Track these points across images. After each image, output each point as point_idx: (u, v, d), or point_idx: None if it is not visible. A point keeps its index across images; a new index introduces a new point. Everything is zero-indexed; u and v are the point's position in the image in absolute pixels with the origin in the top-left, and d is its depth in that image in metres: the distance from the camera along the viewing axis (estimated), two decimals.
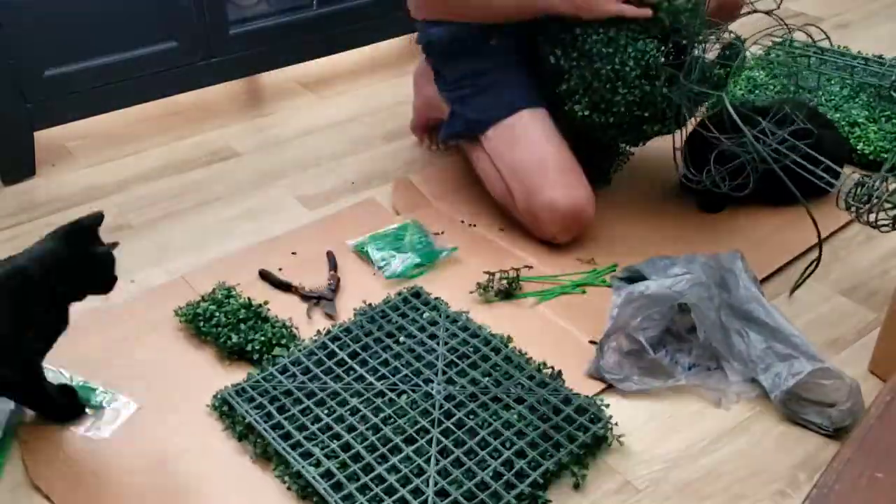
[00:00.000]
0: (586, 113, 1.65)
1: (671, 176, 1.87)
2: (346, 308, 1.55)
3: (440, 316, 1.51)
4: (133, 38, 2.01)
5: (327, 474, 1.21)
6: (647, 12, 1.59)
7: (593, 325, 1.49)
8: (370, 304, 1.54)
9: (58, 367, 1.42)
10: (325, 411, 1.31)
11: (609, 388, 1.39)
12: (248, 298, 1.54)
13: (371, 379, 1.37)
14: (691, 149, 1.74)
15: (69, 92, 1.96)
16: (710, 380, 1.40)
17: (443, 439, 1.27)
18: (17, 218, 1.87)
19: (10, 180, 1.99)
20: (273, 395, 1.34)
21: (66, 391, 1.35)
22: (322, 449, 1.25)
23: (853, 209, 1.45)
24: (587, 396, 1.35)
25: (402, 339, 1.45)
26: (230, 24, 2.12)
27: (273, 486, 1.24)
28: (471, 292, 1.59)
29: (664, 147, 1.79)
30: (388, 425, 1.29)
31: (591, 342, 1.47)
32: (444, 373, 1.39)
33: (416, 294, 1.56)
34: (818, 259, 1.59)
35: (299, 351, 1.43)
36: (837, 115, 2.10)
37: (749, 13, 1.75)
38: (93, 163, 2.07)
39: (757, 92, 2.25)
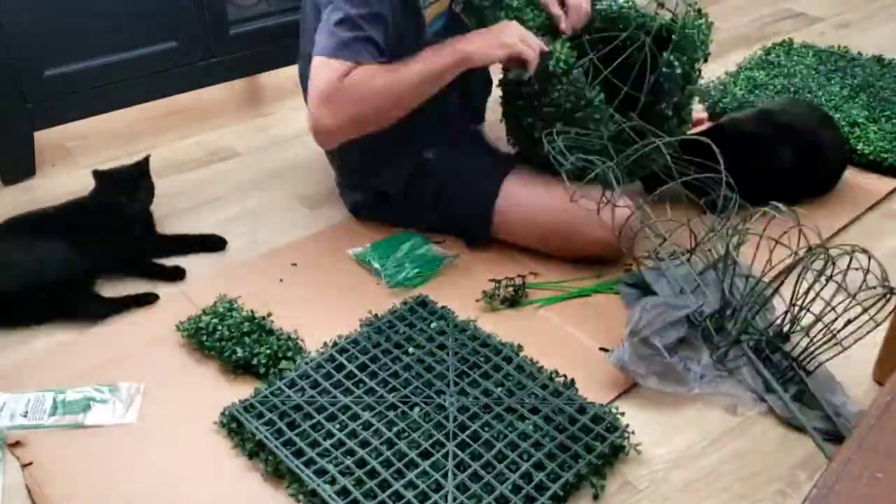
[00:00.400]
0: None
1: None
2: (351, 318, 1.53)
3: (448, 325, 1.50)
4: (133, 38, 2.00)
5: (343, 492, 1.20)
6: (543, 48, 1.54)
7: (603, 332, 1.49)
8: (376, 315, 1.53)
9: (55, 384, 1.42)
10: (338, 426, 1.30)
11: (619, 396, 1.39)
12: (251, 311, 1.52)
13: (382, 391, 1.36)
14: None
15: (69, 92, 1.96)
16: (723, 386, 1.40)
17: (459, 452, 1.26)
18: None
19: (10, 180, 1.99)
20: (283, 411, 1.32)
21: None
22: (336, 465, 1.23)
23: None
24: (602, 405, 1.34)
25: (410, 349, 1.44)
26: (230, 24, 2.12)
27: None
28: (477, 300, 1.59)
29: None
30: (403, 439, 1.28)
31: (602, 349, 1.47)
32: (456, 383, 1.38)
33: (423, 303, 1.56)
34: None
35: (307, 364, 1.41)
36: (837, 115, 2.10)
37: None
38: (93, 163, 2.05)
39: (757, 92, 2.25)
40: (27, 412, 1.37)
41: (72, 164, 2.06)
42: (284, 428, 1.29)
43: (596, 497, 1.24)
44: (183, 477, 1.27)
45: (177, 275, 1.66)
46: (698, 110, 2.00)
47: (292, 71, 2.48)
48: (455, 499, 1.19)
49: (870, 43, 2.56)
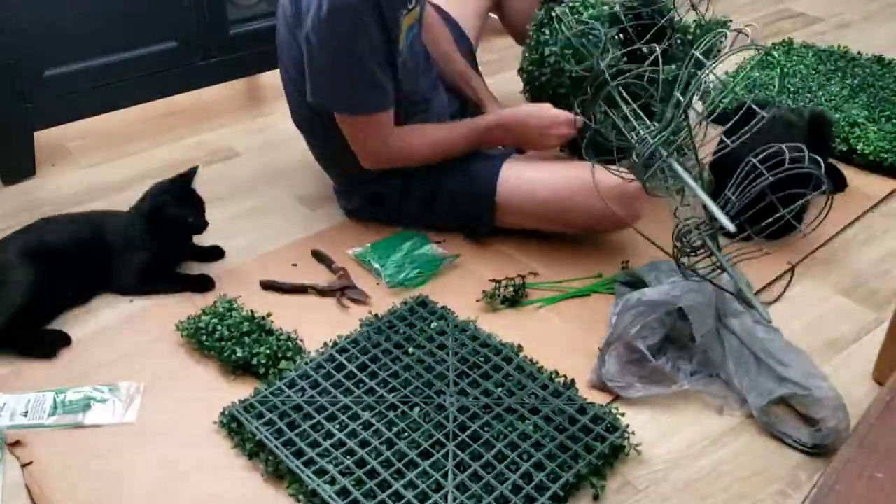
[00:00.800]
0: None
1: None
2: (351, 318, 1.54)
3: (448, 325, 1.50)
4: (133, 38, 2.00)
5: (343, 492, 1.20)
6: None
7: (603, 332, 1.49)
8: (376, 315, 1.53)
9: (55, 384, 1.42)
10: (337, 426, 1.30)
11: (619, 396, 1.39)
12: (251, 311, 1.52)
13: (382, 391, 1.36)
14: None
15: (69, 92, 1.96)
16: (712, 386, 1.39)
17: (459, 453, 1.26)
18: (17, 218, 1.86)
19: (10, 180, 1.99)
20: (283, 411, 1.32)
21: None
22: (336, 466, 1.23)
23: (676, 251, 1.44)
24: (602, 405, 1.34)
25: (410, 349, 1.44)
26: (230, 24, 2.12)
27: None
28: (477, 300, 1.59)
29: None
30: (403, 439, 1.28)
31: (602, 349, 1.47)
32: (456, 384, 1.38)
33: (423, 303, 1.56)
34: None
35: (306, 364, 1.41)
36: (838, 115, 2.10)
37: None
38: (93, 163, 2.07)
39: (756, 91, 2.25)
40: (27, 412, 1.37)
41: (72, 164, 2.06)
42: (284, 428, 1.29)
43: (596, 497, 1.24)
44: (183, 477, 1.27)
45: (206, 285, 1.64)
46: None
47: None
48: (455, 499, 1.19)
49: (870, 43, 2.56)
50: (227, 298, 1.56)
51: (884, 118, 2.10)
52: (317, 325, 1.52)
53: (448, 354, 1.44)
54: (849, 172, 1.94)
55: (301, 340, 1.48)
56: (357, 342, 1.46)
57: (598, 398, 1.37)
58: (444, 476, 1.22)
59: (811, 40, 2.60)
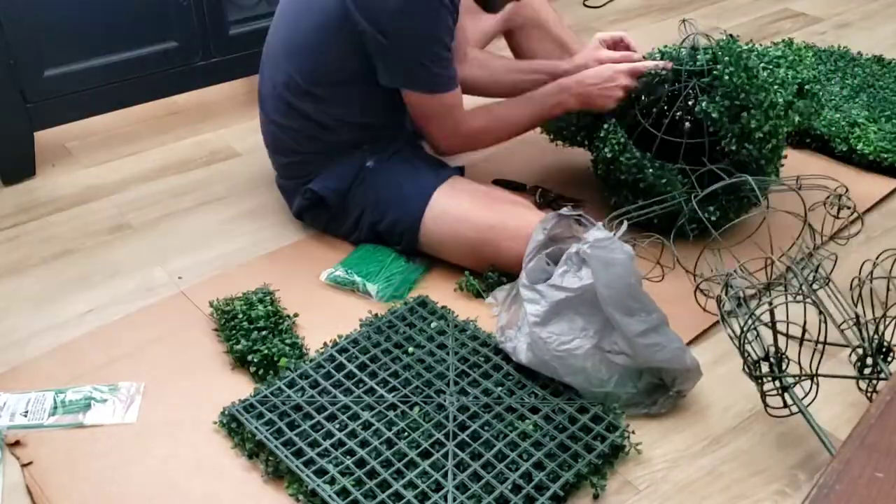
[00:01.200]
0: None
1: None
2: (351, 317, 1.53)
3: (448, 325, 1.50)
4: (133, 38, 2.00)
5: (343, 492, 1.20)
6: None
7: None
8: (376, 315, 1.53)
9: (55, 384, 1.42)
10: (337, 426, 1.30)
11: None
12: (282, 308, 1.53)
13: (382, 391, 1.36)
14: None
15: (69, 92, 1.96)
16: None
17: (459, 452, 1.26)
18: (17, 218, 1.87)
19: (10, 180, 1.99)
20: (282, 411, 1.32)
21: None
22: (336, 466, 1.23)
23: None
24: (601, 403, 1.34)
25: (410, 349, 1.44)
26: (230, 24, 2.12)
27: None
28: (454, 290, 1.59)
29: None
30: (403, 439, 1.28)
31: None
32: (456, 383, 1.38)
33: (423, 303, 1.56)
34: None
35: (306, 363, 1.41)
36: (837, 115, 2.10)
37: None
38: (93, 163, 2.07)
39: None
40: (27, 412, 1.37)
41: (72, 164, 2.06)
42: (284, 428, 1.29)
43: (596, 497, 1.24)
44: (183, 477, 1.27)
45: None
46: None
47: None
48: (455, 499, 1.19)
49: (870, 43, 2.56)
50: (269, 288, 1.57)
51: (884, 118, 2.10)
52: (317, 325, 1.52)
53: (448, 354, 1.44)
54: (849, 172, 1.94)
55: (307, 348, 1.47)
56: (357, 342, 1.46)
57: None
58: (444, 476, 1.22)
59: (811, 40, 2.59)
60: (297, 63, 1.63)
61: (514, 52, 2.05)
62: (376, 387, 1.37)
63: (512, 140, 1.83)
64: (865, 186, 1.92)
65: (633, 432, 1.31)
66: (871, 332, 1.30)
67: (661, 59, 1.73)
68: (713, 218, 1.62)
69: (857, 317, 1.31)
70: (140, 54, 2.01)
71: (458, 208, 1.62)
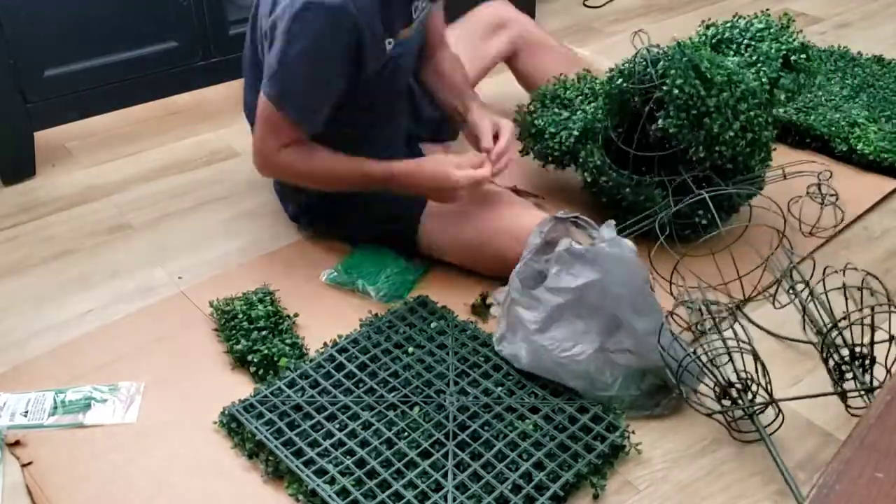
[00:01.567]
0: None
1: None
2: (351, 317, 1.53)
3: (448, 325, 1.50)
4: (133, 38, 2.00)
5: (343, 492, 1.20)
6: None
7: None
8: (376, 315, 1.53)
9: (55, 384, 1.42)
10: (337, 426, 1.30)
11: None
12: (281, 308, 1.53)
13: (382, 391, 1.36)
14: None
15: (69, 92, 1.96)
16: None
17: (459, 452, 1.26)
18: (17, 218, 1.87)
19: (10, 180, 1.99)
20: (282, 411, 1.32)
21: None
22: (336, 466, 1.23)
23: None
24: (602, 404, 1.34)
25: (410, 349, 1.44)
26: (230, 24, 2.12)
27: None
28: (465, 304, 1.58)
29: None
30: (402, 439, 1.28)
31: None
32: (456, 383, 1.38)
33: (423, 303, 1.55)
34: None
35: (306, 363, 1.41)
36: (837, 115, 2.10)
37: None
38: (93, 163, 2.07)
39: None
40: (27, 412, 1.37)
41: (72, 164, 2.06)
42: (284, 428, 1.29)
43: (596, 497, 1.24)
44: (183, 477, 1.27)
45: None
46: None
47: None
48: (455, 499, 1.19)
49: (870, 43, 2.56)
50: (269, 288, 1.57)
51: (884, 118, 2.10)
52: (317, 325, 1.52)
53: (448, 354, 1.44)
54: (849, 172, 1.94)
55: (307, 348, 1.47)
56: (357, 342, 1.46)
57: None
58: (444, 476, 1.22)
59: (811, 40, 2.59)
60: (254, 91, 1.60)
61: (520, 74, 2.07)
62: (376, 387, 1.37)
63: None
64: (865, 186, 1.92)
65: (633, 432, 1.31)
66: (833, 341, 1.30)
67: (620, 75, 1.67)
68: (703, 222, 1.61)
69: (824, 328, 1.30)
70: (140, 54, 2.01)
71: (458, 209, 1.61)
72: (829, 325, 1.32)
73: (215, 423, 1.34)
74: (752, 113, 1.61)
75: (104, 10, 1.93)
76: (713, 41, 1.82)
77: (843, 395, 1.29)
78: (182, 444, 1.32)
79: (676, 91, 1.56)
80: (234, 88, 2.39)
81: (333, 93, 1.54)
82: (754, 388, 1.29)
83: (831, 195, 1.67)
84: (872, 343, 1.28)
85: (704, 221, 1.60)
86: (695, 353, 1.26)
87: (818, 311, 1.44)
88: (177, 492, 1.25)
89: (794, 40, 1.77)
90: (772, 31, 1.78)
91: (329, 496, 1.19)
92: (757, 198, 1.66)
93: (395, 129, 1.76)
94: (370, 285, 1.60)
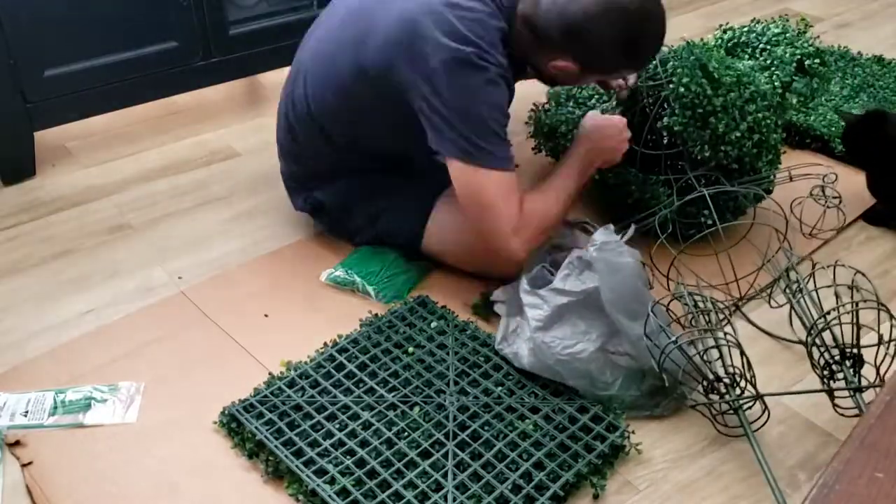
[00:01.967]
0: None
1: None
2: (351, 317, 1.53)
3: (448, 325, 1.50)
4: (133, 38, 2.00)
5: (343, 492, 1.20)
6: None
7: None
8: (376, 315, 1.53)
9: (55, 384, 1.42)
10: (337, 426, 1.30)
11: None
12: None
13: (382, 391, 1.36)
14: None
15: (69, 92, 1.96)
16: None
17: (459, 452, 1.26)
18: (17, 218, 1.87)
19: (10, 180, 1.98)
20: (282, 411, 1.32)
21: None
22: (336, 465, 1.23)
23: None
24: (602, 404, 1.34)
25: (410, 349, 1.44)
26: (230, 24, 2.12)
27: None
28: (465, 304, 1.58)
29: None
30: (403, 439, 1.28)
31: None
32: (456, 383, 1.38)
33: (423, 303, 1.56)
34: None
35: (307, 363, 1.42)
36: (837, 115, 2.10)
37: None
38: (93, 163, 2.07)
39: None
40: (27, 412, 1.37)
41: (72, 164, 2.06)
42: (284, 428, 1.29)
43: (596, 497, 1.24)
44: (183, 477, 1.27)
45: None
46: None
47: None
48: (455, 499, 1.19)
49: (870, 43, 2.56)
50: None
51: None
52: (317, 325, 1.52)
53: (448, 354, 1.44)
54: (849, 172, 1.94)
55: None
56: (357, 342, 1.46)
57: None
58: (444, 476, 1.22)
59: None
60: (321, 103, 1.59)
61: None
62: (376, 387, 1.37)
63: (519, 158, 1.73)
64: (867, 186, 1.92)
65: (634, 432, 1.31)
66: (814, 340, 1.30)
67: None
68: (709, 222, 1.61)
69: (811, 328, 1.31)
70: (140, 54, 2.01)
71: (461, 214, 1.59)
72: (813, 322, 1.32)
73: (215, 423, 1.34)
74: (760, 115, 1.61)
75: (104, 10, 1.93)
76: (729, 45, 1.84)
77: (830, 394, 1.29)
78: (182, 444, 1.32)
79: (682, 89, 1.57)
80: (234, 88, 2.40)
81: (505, 121, 1.48)
82: (743, 383, 1.29)
83: (834, 198, 1.67)
84: (858, 340, 1.28)
85: (710, 221, 1.60)
86: (676, 341, 1.26)
87: (809, 309, 1.44)
88: (176, 492, 1.25)
89: (810, 45, 1.78)
90: (788, 35, 1.79)
91: (329, 496, 1.19)
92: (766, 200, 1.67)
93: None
94: (370, 285, 1.60)
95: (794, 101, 1.71)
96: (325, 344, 1.47)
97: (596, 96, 1.83)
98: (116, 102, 2.06)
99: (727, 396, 1.29)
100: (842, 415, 1.29)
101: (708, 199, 1.54)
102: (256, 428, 1.29)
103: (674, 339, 1.26)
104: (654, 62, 1.64)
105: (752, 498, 1.24)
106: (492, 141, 1.43)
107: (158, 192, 1.95)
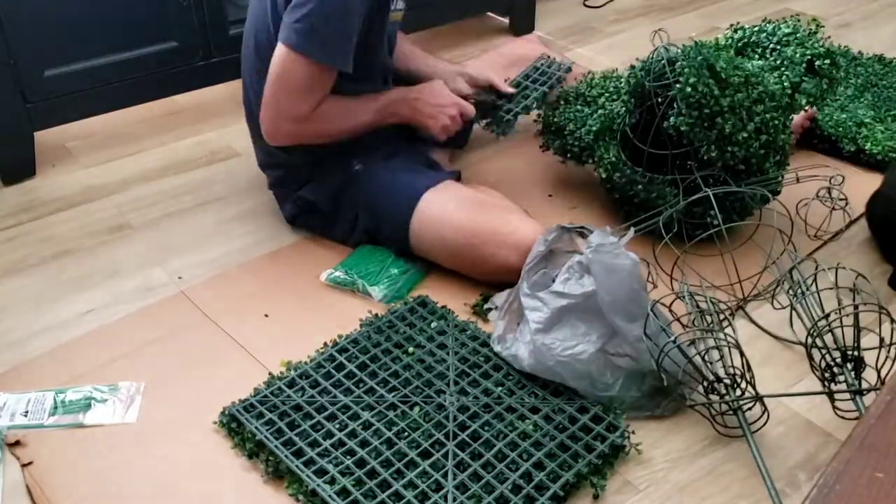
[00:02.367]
0: None
1: None
2: (351, 317, 1.53)
3: (448, 325, 1.50)
4: (133, 38, 2.00)
5: (343, 492, 1.20)
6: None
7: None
8: (376, 315, 1.53)
9: (55, 384, 1.42)
10: (337, 426, 1.30)
11: None
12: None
13: (382, 391, 1.36)
14: None
15: (69, 92, 1.96)
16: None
17: (459, 452, 1.26)
18: (17, 218, 1.87)
19: (10, 180, 1.98)
20: (282, 411, 1.32)
21: None
22: (336, 466, 1.23)
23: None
24: (603, 405, 1.34)
25: (410, 349, 1.44)
26: (230, 24, 2.12)
27: None
28: (465, 304, 1.58)
29: None
30: (403, 439, 1.28)
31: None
32: (456, 383, 1.38)
33: (423, 303, 1.55)
34: None
35: (307, 363, 1.42)
36: (844, 115, 2.09)
37: None
38: (93, 163, 2.07)
39: None
40: (27, 412, 1.37)
41: (72, 164, 2.06)
42: (284, 428, 1.29)
43: (596, 497, 1.23)
44: (183, 477, 1.27)
45: None
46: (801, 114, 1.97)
47: None
48: (455, 499, 1.19)
49: (870, 43, 2.56)
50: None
51: (890, 117, 2.09)
52: (317, 325, 1.52)
53: (448, 354, 1.44)
54: (858, 172, 1.94)
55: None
56: (357, 342, 1.46)
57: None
58: (444, 476, 1.22)
59: None
60: (257, 81, 1.62)
61: None
62: (376, 387, 1.37)
63: (521, 153, 1.78)
64: (871, 186, 1.91)
65: (634, 432, 1.31)
66: (814, 341, 1.30)
67: (638, 72, 1.68)
68: (715, 222, 1.61)
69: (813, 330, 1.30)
70: (140, 54, 2.01)
71: (442, 211, 1.60)
72: (813, 324, 1.32)
73: (215, 423, 1.34)
74: (768, 115, 1.61)
75: (104, 10, 1.93)
76: (739, 45, 1.83)
77: (830, 396, 1.29)
78: (182, 444, 1.32)
79: (689, 89, 1.56)
80: (234, 88, 2.39)
81: (355, 34, 1.52)
82: (743, 384, 1.29)
83: (841, 199, 1.67)
84: (859, 342, 1.28)
85: (716, 222, 1.60)
86: (675, 341, 1.26)
87: (809, 310, 1.44)
88: (177, 492, 1.25)
89: (821, 46, 1.77)
90: (798, 36, 1.78)
91: (329, 496, 1.19)
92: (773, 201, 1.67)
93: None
94: (370, 285, 1.60)
95: (804, 101, 1.70)
96: (325, 344, 1.47)
97: (605, 95, 1.82)
98: (116, 102, 2.07)
99: (727, 397, 1.29)
100: (842, 417, 1.29)
101: (713, 198, 1.54)
102: (256, 428, 1.29)
103: (673, 338, 1.26)
104: (662, 61, 1.64)
105: (752, 498, 1.24)
106: (333, 39, 1.49)
107: (158, 192, 1.95)
